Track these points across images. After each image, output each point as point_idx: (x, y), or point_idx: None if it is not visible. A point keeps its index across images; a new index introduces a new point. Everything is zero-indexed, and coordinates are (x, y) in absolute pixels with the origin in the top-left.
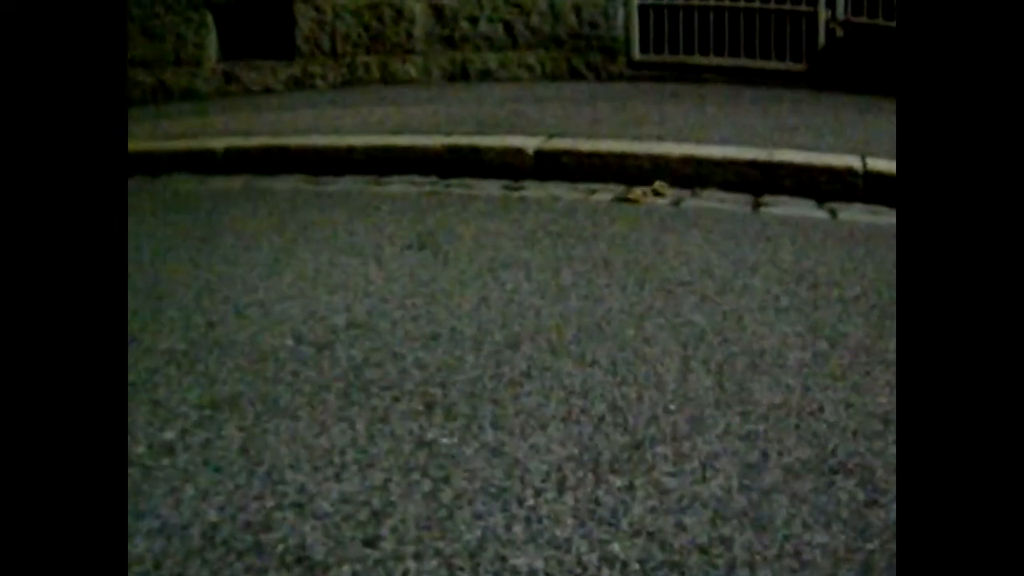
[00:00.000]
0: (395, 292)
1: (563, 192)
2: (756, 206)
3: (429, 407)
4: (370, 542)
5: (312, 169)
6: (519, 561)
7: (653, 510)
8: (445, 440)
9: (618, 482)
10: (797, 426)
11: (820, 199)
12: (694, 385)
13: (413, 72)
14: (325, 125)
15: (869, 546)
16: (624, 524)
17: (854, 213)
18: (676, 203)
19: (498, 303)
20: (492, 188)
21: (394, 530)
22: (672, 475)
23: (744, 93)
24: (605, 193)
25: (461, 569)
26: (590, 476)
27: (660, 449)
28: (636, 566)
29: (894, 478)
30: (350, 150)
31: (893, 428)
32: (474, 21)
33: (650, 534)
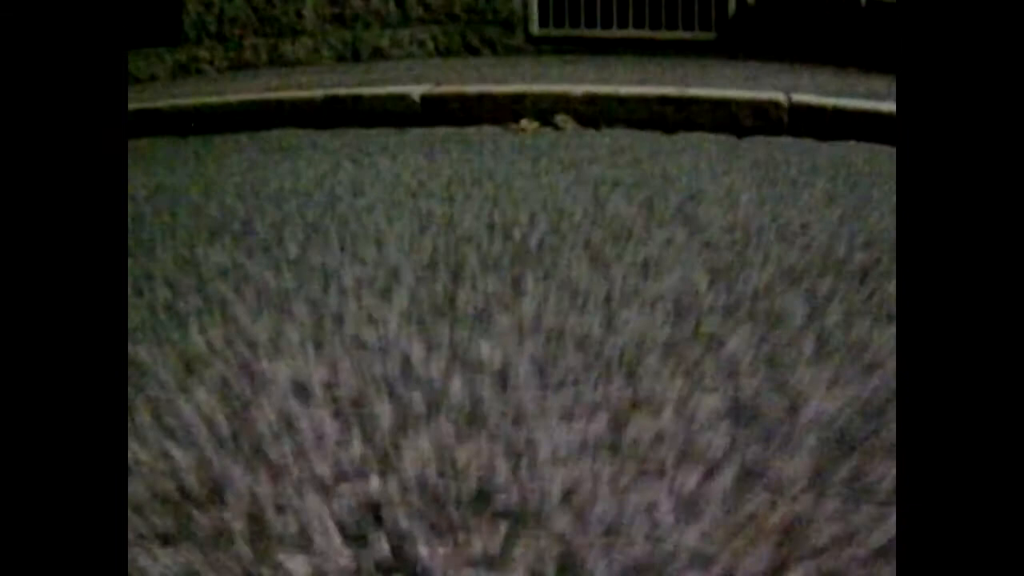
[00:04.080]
0: (223, 172)
1: (452, 130)
2: (671, 136)
3: (215, 235)
4: None
5: (184, 129)
6: (280, 372)
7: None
8: (220, 258)
9: (493, 279)
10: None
11: (742, 134)
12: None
13: (303, 53)
14: (205, 92)
15: None
16: (503, 321)
17: (782, 143)
18: (579, 134)
19: (350, 172)
20: (374, 131)
21: None
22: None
23: (651, 61)
24: (498, 129)
25: (169, 385)
26: (444, 280)
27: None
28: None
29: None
30: (225, 107)
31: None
32: None
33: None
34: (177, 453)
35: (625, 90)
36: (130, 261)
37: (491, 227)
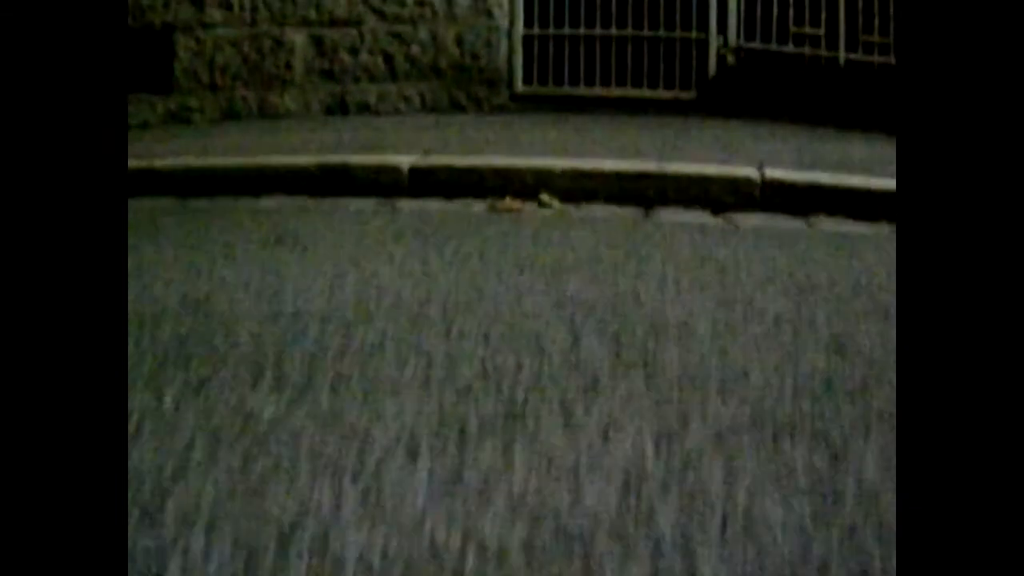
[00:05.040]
0: (240, 277)
1: (439, 205)
2: (648, 215)
3: (256, 377)
4: (150, 517)
5: (181, 190)
6: (349, 544)
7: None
8: (270, 408)
9: (489, 447)
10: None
11: (716, 210)
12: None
13: (292, 105)
14: (197, 149)
15: None
16: (499, 499)
17: (753, 220)
18: (561, 213)
19: (354, 285)
20: (364, 203)
21: (180, 508)
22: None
23: (632, 121)
24: (484, 206)
25: (265, 551)
26: (452, 443)
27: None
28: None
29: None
30: (220, 171)
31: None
32: (354, 52)
33: (535, 511)
34: None
35: (606, 166)
36: (195, 410)
37: (485, 377)
